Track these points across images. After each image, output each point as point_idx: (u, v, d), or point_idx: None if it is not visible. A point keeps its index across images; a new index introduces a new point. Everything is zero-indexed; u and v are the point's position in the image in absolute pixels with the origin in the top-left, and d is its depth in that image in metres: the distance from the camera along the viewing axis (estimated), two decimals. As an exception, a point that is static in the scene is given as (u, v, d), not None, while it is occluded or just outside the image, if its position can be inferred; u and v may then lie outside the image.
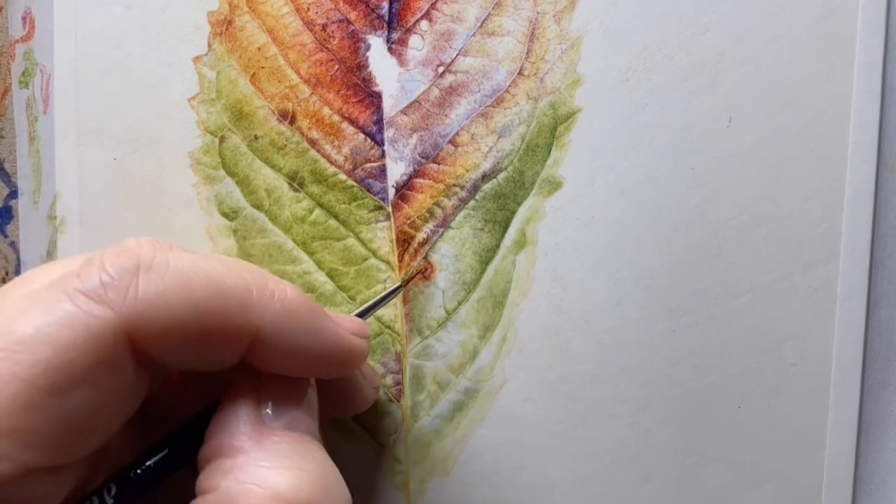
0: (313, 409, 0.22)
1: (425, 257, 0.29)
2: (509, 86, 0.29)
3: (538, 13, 0.29)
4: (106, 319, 0.18)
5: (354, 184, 0.29)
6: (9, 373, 0.17)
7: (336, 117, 0.29)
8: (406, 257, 0.29)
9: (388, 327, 0.30)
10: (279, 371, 0.21)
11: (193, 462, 0.21)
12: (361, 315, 0.26)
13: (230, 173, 0.29)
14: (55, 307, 0.18)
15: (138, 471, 0.21)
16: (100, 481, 0.21)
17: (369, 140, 0.29)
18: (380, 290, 0.29)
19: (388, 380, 0.30)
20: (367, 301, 0.29)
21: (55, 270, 0.20)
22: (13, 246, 0.31)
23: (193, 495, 0.20)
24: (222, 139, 0.29)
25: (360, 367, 0.25)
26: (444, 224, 0.29)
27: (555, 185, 0.29)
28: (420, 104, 0.29)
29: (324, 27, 0.29)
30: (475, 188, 0.29)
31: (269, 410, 0.21)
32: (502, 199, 0.29)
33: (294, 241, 0.29)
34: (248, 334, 0.20)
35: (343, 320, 0.23)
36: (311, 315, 0.21)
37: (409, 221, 0.29)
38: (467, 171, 0.29)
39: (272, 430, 0.20)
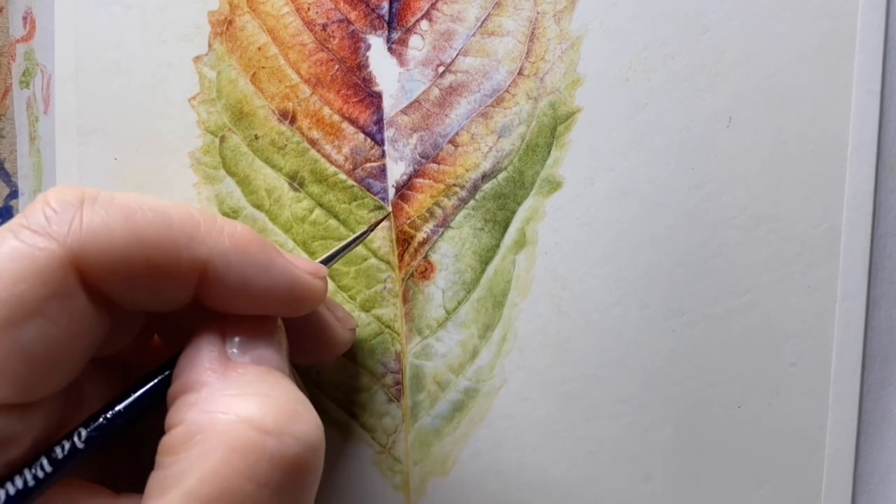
0: (281, 348, 0.22)
1: (425, 257, 0.29)
2: (509, 86, 0.29)
3: (538, 13, 0.29)
4: (50, 251, 0.18)
5: (354, 184, 0.29)
6: None
7: (336, 117, 0.29)
8: (406, 257, 0.29)
9: (388, 327, 0.30)
10: (233, 309, 0.21)
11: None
12: (325, 262, 0.26)
13: (230, 173, 0.29)
14: (1, 244, 0.18)
15: (108, 415, 0.21)
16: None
17: (369, 140, 0.29)
18: (380, 290, 0.29)
19: (388, 379, 0.30)
20: (367, 301, 0.29)
21: None
22: (14, 245, 0.31)
23: None
24: (223, 139, 0.29)
25: (321, 306, 0.24)
26: (444, 224, 0.29)
27: (555, 185, 0.29)
28: (420, 104, 0.29)
29: (324, 27, 0.29)
30: (475, 188, 0.29)
31: (234, 348, 0.20)
32: (502, 198, 0.29)
33: (294, 240, 0.29)
34: (196, 268, 0.20)
35: (297, 260, 0.22)
36: (261, 250, 0.21)
37: (409, 221, 0.29)
38: (467, 170, 0.29)
39: (237, 363, 0.20)
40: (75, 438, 0.20)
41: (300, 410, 0.19)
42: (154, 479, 0.19)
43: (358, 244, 0.28)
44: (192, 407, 0.19)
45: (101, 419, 0.21)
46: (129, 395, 0.21)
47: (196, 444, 0.18)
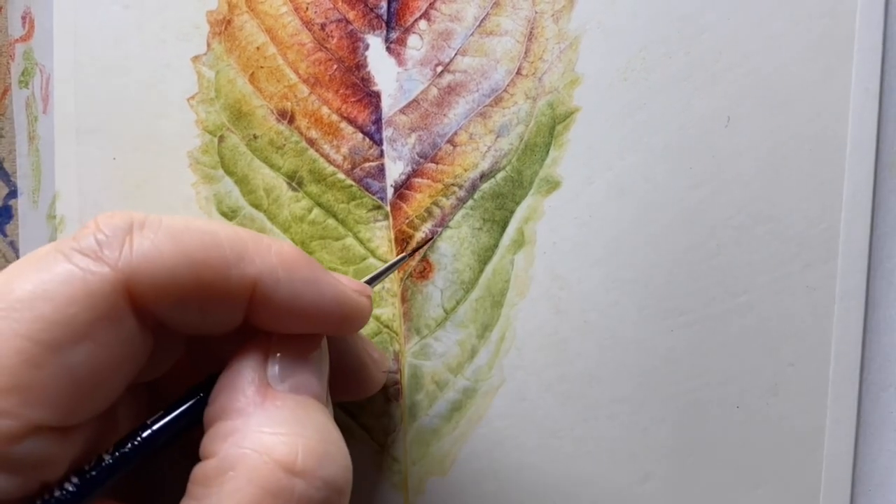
0: (322, 373, 0.22)
1: (424, 257, 0.29)
2: (507, 85, 0.29)
3: (536, 12, 0.29)
4: (102, 275, 0.18)
5: (353, 183, 0.29)
6: (10, 330, 0.17)
7: (335, 117, 0.29)
8: (404, 257, 0.29)
9: (387, 326, 0.30)
10: (281, 328, 0.21)
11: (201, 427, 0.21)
12: (368, 283, 0.26)
13: (229, 173, 0.29)
14: (53, 266, 0.18)
15: (144, 434, 0.20)
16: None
17: (368, 139, 0.29)
18: (378, 290, 0.29)
19: (387, 379, 0.30)
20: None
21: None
22: (12, 245, 0.31)
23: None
24: (221, 138, 0.29)
25: (358, 343, 0.24)
26: (443, 223, 0.29)
27: (553, 185, 0.29)
28: (418, 104, 0.29)
29: (322, 26, 0.29)
30: (473, 188, 0.29)
31: (275, 371, 0.21)
32: (500, 198, 0.29)
33: (293, 240, 0.29)
34: (246, 287, 0.20)
35: (343, 278, 0.22)
36: (309, 268, 0.21)
37: (407, 221, 0.29)
38: (466, 170, 0.29)
39: (276, 392, 0.20)
40: (109, 457, 0.20)
41: (331, 452, 0.20)
42: None
43: (397, 268, 0.28)
44: (227, 439, 0.19)
45: (137, 438, 0.20)
46: (166, 415, 0.21)
47: (228, 481, 0.18)
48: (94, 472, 0.20)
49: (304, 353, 0.21)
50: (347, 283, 0.22)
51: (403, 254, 0.28)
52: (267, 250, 0.20)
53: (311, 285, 0.21)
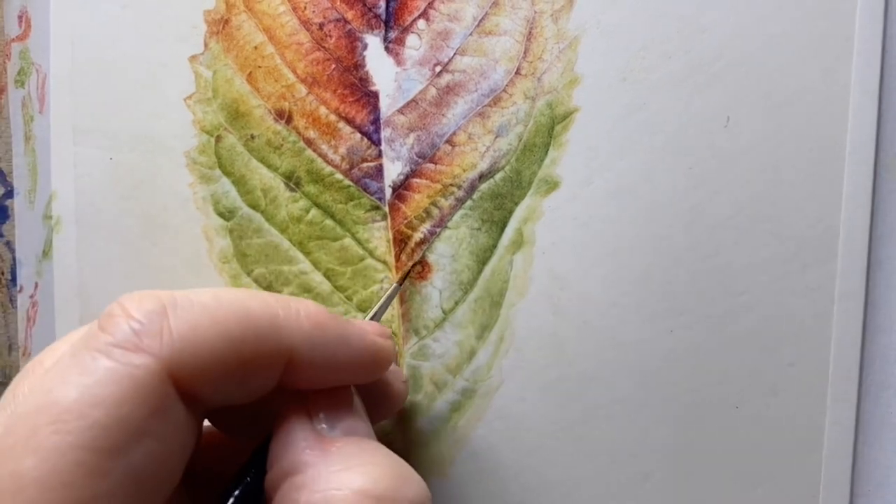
0: (363, 414, 0.22)
1: (422, 257, 0.29)
2: (506, 85, 0.29)
3: (536, 12, 0.28)
4: (147, 367, 0.18)
5: (351, 183, 0.29)
6: (65, 444, 0.16)
7: (333, 117, 0.29)
8: (403, 257, 0.29)
9: (385, 327, 0.29)
10: (317, 385, 0.21)
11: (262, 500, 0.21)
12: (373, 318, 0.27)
13: (226, 173, 0.29)
14: (93, 366, 0.17)
15: None
16: None
17: (366, 139, 0.29)
18: (377, 290, 0.29)
19: (385, 380, 0.30)
20: (364, 301, 0.29)
21: (70, 338, 0.20)
22: (9, 246, 0.31)
23: None
24: (218, 138, 0.29)
25: (390, 366, 0.25)
26: (441, 224, 0.29)
27: (552, 185, 0.29)
28: (417, 104, 0.29)
29: (321, 26, 0.29)
30: (472, 188, 0.29)
31: (323, 424, 0.21)
32: (499, 198, 0.29)
33: (290, 241, 0.29)
34: (284, 355, 0.20)
35: (365, 325, 0.23)
36: (337, 326, 0.21)
37: (405, 221, 0.29)
38: (464, 170, 0.29)
39: (332, 439, 0.20)
40: None
41: (407, 474, 0.20)
42: None
43: (393, 298, 0.29)
44: (302, 489, 0.19)
45: None
46: (229, 496, 0.21)
47: None
48: None
49: (343, 402, 0.22)
50: (370, 329, 0.23)
51: (395, 284, 0.28)
52: (296, 316, 0.20)
53: (343, 343, 0.21)
